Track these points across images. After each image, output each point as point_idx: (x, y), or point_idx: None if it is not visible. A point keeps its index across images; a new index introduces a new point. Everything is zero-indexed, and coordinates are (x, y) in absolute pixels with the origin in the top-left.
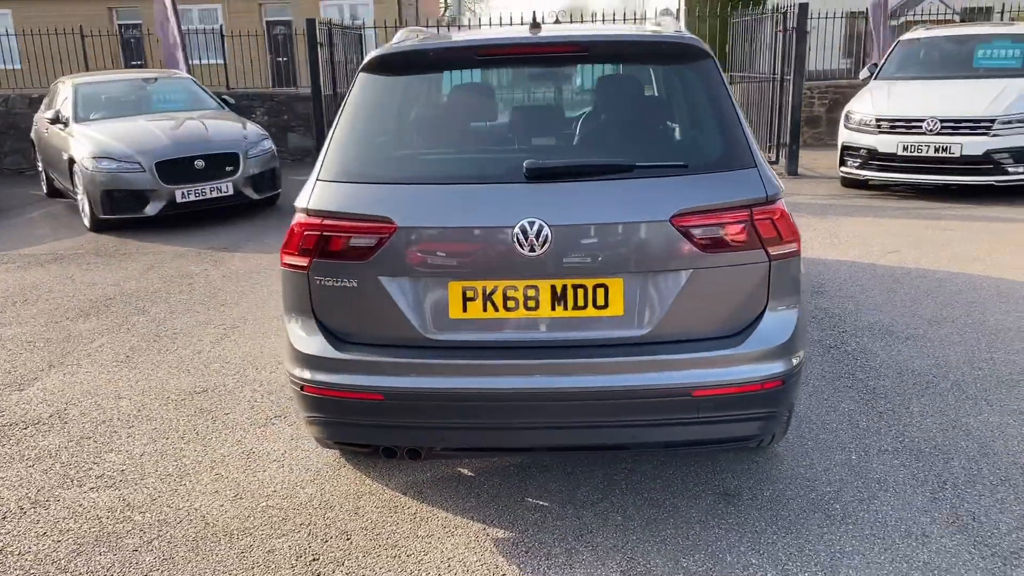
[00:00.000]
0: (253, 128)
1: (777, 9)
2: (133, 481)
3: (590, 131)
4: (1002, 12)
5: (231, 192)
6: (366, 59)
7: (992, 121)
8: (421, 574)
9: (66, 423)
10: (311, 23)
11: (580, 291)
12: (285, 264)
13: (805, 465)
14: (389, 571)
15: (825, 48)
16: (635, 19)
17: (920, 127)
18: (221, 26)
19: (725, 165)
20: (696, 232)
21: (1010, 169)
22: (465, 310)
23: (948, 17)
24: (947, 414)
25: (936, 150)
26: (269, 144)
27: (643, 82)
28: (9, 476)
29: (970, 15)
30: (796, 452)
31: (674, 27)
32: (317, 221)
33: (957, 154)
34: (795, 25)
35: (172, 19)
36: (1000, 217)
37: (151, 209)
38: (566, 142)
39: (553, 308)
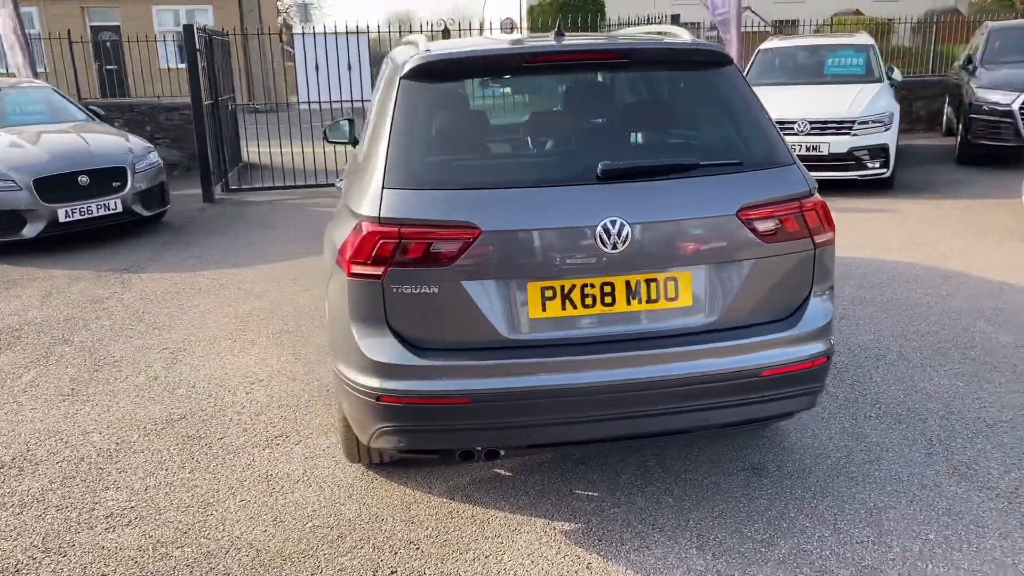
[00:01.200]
0: (137, 141)
1: (620, 24)
2: (151, 517)
3: (646, 133)
4: (813, 24)
5: (120, 209)
6: (408, 66)
7: (853, 122)
8: (504, 572)
9: (37, 465)
10: (188, 29)
11: (653, 285)
12: (354, 274)
13: (810, 436)
14: (476, 573)
15: None
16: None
17: (792, 128)
18: (38, 32)
19: (771, 163)
20: (759, 224)
21: (868, 164)
22: (544, 309)
23: (760, 29)
24: (905, 381)
25: (807, 148)
26: (156, 157)
27: (679, 87)
28: None
29: (779, 27)
30: (796, 425)
31: (688, 36)
32: (394, 229)
33: (825, 152)
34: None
35: (13, 20)
36: (869, 208)
37: (29, 231)
38: (626, 143)
39: (628, 303)
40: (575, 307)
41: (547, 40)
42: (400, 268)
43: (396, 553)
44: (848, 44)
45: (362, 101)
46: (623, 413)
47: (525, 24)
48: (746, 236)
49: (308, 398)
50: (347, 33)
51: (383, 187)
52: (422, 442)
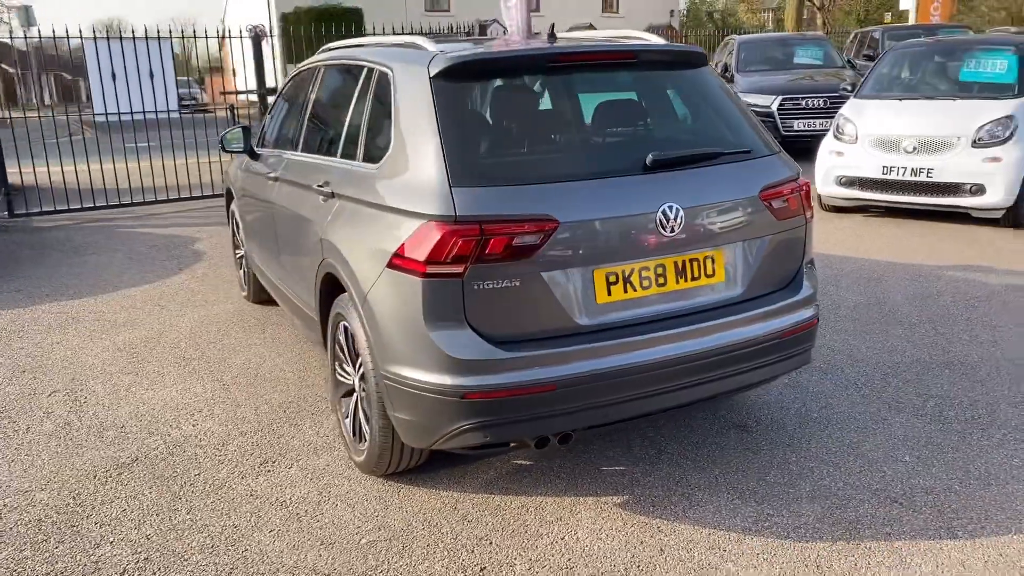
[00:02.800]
0: None
1: (384, 31)
2: (176, 565)
3: (670, 125)
4: None
5: None
6: (437, 67)
7: None
8: (587, 548)
9: None
10: None
11: (695, 263)
12: (430, 275)
13: (763, 393)
14: (561, 554)
15: None
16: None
17: None
18: None
19: (765, 150)
20: (774, 204)
21: None
22: (609, 294)
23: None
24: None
25: None
26: None
27: (681, 84)
28: None
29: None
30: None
31: (662, 40)
32: (474, 227)
33: None
34: None
35: None
36: None
37: None
38: (659, 135)
39: (677, 281)
40: (635, 289)
41: (565, 42)
42: (481, 265)
43: (472, 551)
44: None
45: (167, 112)
46: (682, 383)
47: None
48: (765, 215)
49: (268, 421)
50: (147, 39)
51: (451, 186)
52: (507, 434)
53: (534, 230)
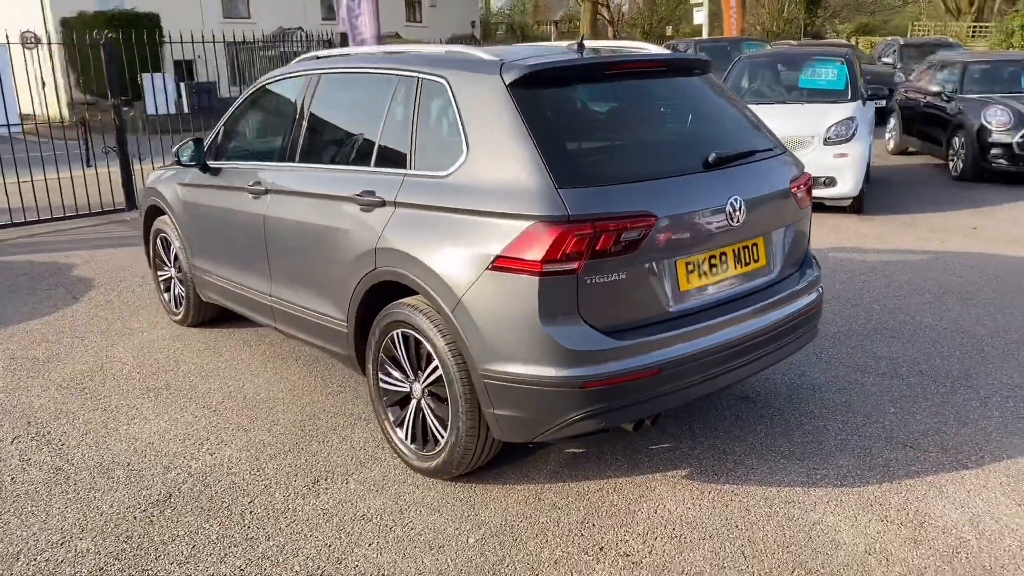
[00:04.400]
0: None
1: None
2: None
3: (712, 126)
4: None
5: None
6: (513, 75)
7: None
8: (684, 517)
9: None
10: None
11: (746, 250)
12: (546, 272)
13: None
14: (664, 526)
15: None
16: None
17: None
18: None
19: (778, 149)
20: (797, 194)
21: None
22: (688, 281)
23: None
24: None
25: None
26: None
27: (702, 89)
28: None
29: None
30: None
31: (659, 49)
32: (586, 224)
33: None
34: None
35: None
36: None
37: None
38: (708, 134)
39: (735, 267)
40: (707, 276)
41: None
42: (593, 260)
43: (581, 534)
44: None
45: (7, 125)
46: (745, 360)
47: (54, 38)
48: (792, 204)
49: (290, 441)
50: None
51: (557, 187)
52: (618, 418)
53: (637, 225)
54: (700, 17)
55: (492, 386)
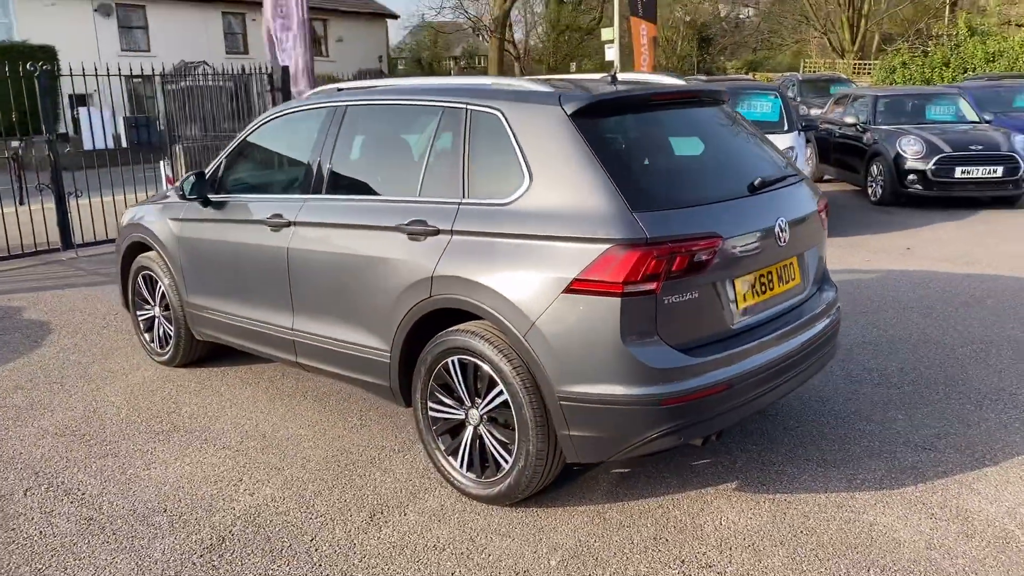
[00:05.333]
0: None
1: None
2: None
3: (743, 152)
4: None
5: None
6: (574, 106)
7: None
8: (749, 527)
9: None
10: None
11: (786, 268)
12: (628, 293)
13: None
14: (736, 536)
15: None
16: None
17: None
18: None
19: (800, 174)
20: (822, 215)
21: None
22: (745, 299)
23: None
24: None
25: None
26: None
27: (730, 119)
28: None
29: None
30: None
31: (680, 81)
32: (664, 246)
33: None
34: (279, 87)
35: None
36: None
37: None
38: (747, 161)
39: (778, 285)
40: (758, 295)
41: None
42: (670, 280)
43: (657, 549)
44: None
45: None
46: (791, 374)
47: None
48: (819, 226)
49: (330, 477)
50: None
51: (631, 211)
52: (693, 434)
53: (707, 246)
54: (611, 54)
55: (569, 407)
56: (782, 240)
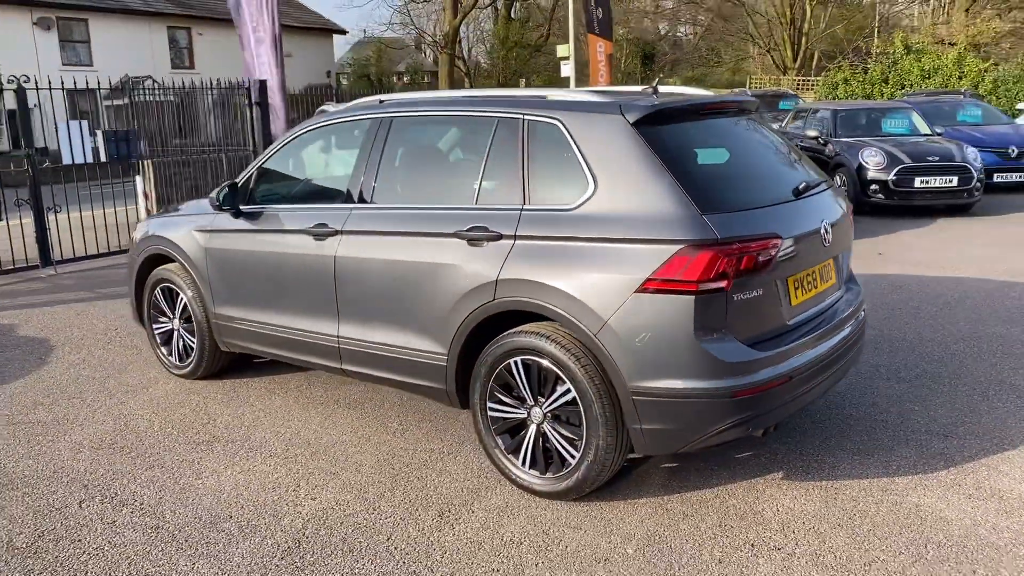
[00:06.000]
0: None
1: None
2: None
3: (781, 158)
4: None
5: None
6: (636, 115)
7: None
8: (806, 511)
9: None
10: None
11: (825, 269)
12: (702, 291)
13: None
14: (798, 520)
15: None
16: None
17: None
18: None
19: (828, 180)
20: (850, 218)
21: None
22: (796, 297)
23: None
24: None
25: None
26: None
27: (756, 126)
28: None
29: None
30: None
31: (697, 90)
32: (733, 246)
33: None
34: (258, 100)
35: None
36: None
37: None
38: (785, 167)
39: (820, 284)
40: (806, 293)
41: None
42: (739, 278)
43: (727, 535)
44: None
45: None
46: (834, 369)
47: None
48: (849, 229)
49: (387, 479)
50: None
51: (702, 213)
52: (759, 424)
53: (769, 246)
54: (567, 70)
55: (642, 402)
56: (827, 241)
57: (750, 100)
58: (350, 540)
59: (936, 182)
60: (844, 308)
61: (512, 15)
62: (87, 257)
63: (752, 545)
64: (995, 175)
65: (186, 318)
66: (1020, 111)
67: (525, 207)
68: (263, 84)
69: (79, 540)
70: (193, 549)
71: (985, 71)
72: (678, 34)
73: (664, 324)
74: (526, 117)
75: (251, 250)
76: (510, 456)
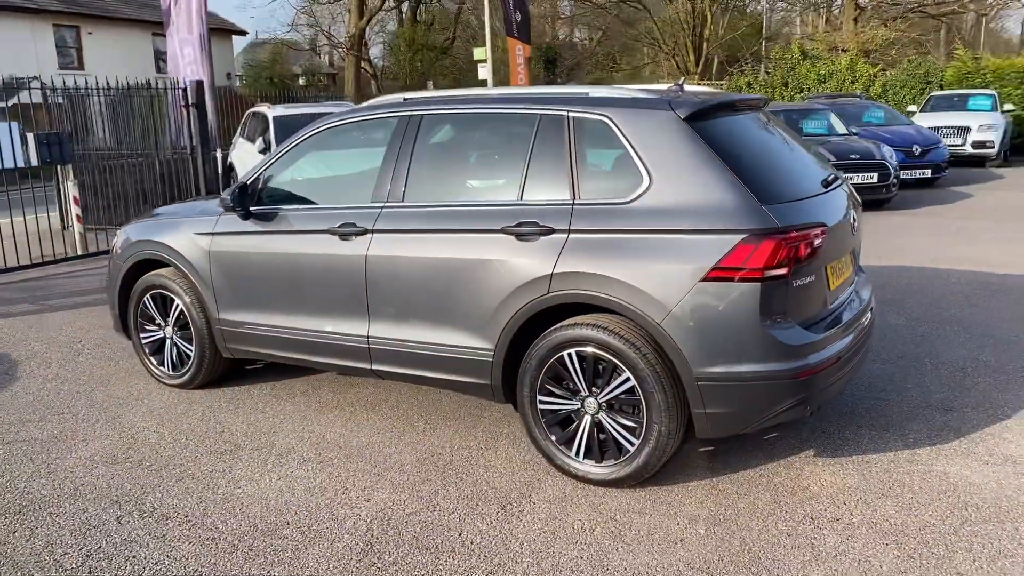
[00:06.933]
0: None
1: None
2: None
3: (804, 152)
4: None
5: None
6: (686, 111)
7: None
8: (845, 484)
9: None
10: None
11: (846, 258)
12: (767, 278)
13: None
14: (845, 492)
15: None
16: None
17: None
18: None
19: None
20: (860, 209)
21: None
22: (832, 284)
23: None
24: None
25: None
26: None
27: (773, 123)
28: None
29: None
30: None
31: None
32: (792, 234)
33: None
34: (195, 101)
35: None
36: None
37: None
38: (808, 159)
39: (845, 272)
40: (838, 279)
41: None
42: (798, 265)
43: (785, 511)
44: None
45: None
46: (864, 350)
47: None
48: (861, 218)
49: (437, 477)
50: None
51: (762, 203)
52: (814, 403)
53: (820, 235)
54: (484, 72)
55: (707, 387)
56: (854, 230)
57: (761, 98)
58: (422, 538)
59: (858, 179)
60: (862, 295)
61: (417, 18)
62: (20, 268)
63: (812, 518)
64: (902, 172)
65: (181, 325)
66: (911, 113)
67: (577, 202)
68: (199, 85)
69: (133, 556)
70: (262, 557)
71: (875, 76)
72: (575, 39)
73: (730, 311)
74: (571, 114)
75: (264, 252)
76: (562, 447)
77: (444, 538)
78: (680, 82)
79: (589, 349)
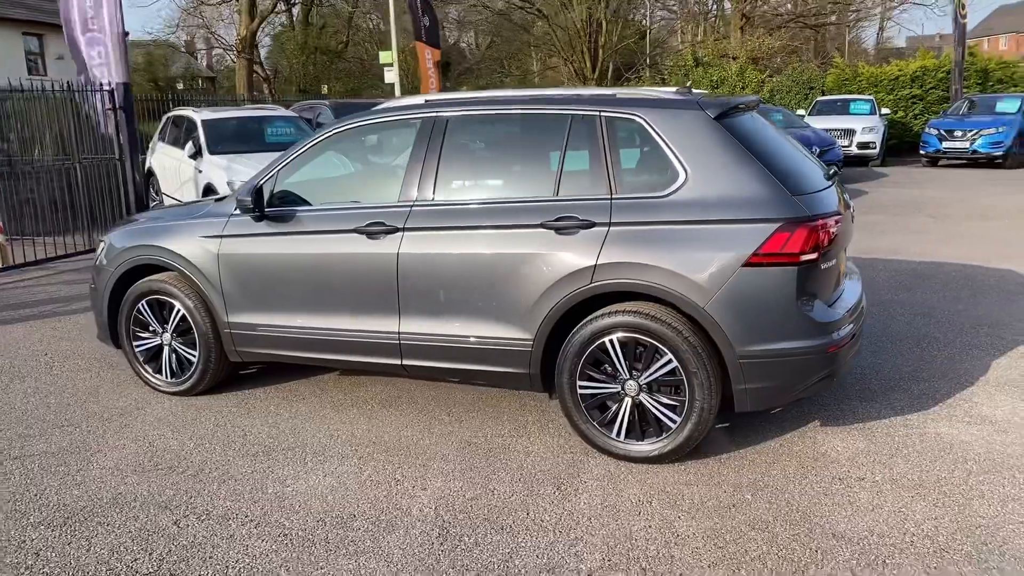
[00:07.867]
0: None
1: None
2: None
3: (801, 149)
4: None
5: None
6: (715, 111)
7: None
8: (860, 451)
9: None
10: None
11: (844, 251)
12: (802, 262)
13: None
14: (869, 455)
15: None
16: None
17: None
18: None
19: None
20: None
21: None
22: (841, 268)
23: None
24: None
25: None
26: None
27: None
28: None
29: None
30: None
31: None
32: (820, 222)
33: None
34: (122, 104)
35: None
36: None
37: None
38: (807, 155)
39: (844, 262)
40: (842, 266)
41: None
42: (824, 250)
43: (813, 475)
44: (281, 116)
45: None
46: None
47: None
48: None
49: (482, 466)
50: None
51: (792, 194)
52: (838, 375)
53: (838, 222)
54: (391, 76)
55: (748, 364)
56: (853, 220)
57: (759, 99)
58: (495, 520)
59: None
60: (856, 285)
61: (310, 20)
62: None
63: (840, 479)
64: None
65: (181, 331)
66: (801, 116)
67: (615, 196)
68: (127, 87)
69: (211, 557)
70: (344, 548)
71: (763, 81)
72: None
73: (769, 293)
74: (603, 114)
75: (282, 253)
76: (604, 429)
77: (514, 519)
78: (688, 85)
79: (630, 334)
